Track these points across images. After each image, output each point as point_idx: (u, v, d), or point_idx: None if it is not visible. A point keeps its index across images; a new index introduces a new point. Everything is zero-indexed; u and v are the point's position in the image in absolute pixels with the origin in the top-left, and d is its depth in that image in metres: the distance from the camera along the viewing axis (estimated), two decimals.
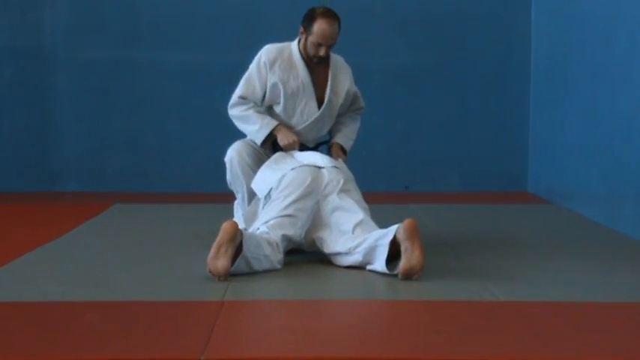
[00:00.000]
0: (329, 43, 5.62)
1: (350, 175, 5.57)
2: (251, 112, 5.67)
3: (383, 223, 6.83)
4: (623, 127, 6.37)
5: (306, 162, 5.42)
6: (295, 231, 5.20)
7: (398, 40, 8.82)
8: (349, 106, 5.98)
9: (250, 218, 5.48)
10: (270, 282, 4.87)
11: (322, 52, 5.62)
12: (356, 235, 5.16)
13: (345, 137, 5.98)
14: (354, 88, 5.95)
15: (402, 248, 4.87)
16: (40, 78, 8.74)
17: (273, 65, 5.65)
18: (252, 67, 5.74)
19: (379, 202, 8.04)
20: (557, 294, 4.65)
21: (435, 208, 7.65)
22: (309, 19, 5.61)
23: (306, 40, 5.64)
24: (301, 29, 5.66)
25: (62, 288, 4.71)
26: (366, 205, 5.44)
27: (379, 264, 4.97)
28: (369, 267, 5.05)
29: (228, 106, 5.78)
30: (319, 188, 5.33)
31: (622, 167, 6.40)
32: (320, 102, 5.74)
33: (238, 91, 5.73)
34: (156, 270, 5.10)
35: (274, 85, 5.65)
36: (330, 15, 5.62)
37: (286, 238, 5.15)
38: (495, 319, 4.22)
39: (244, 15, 8.76)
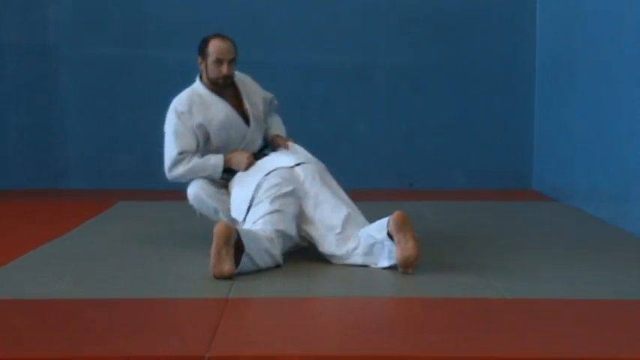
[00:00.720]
0: (228, 57, 5.69)
1: (321, 165, 5.60)
2: (194, 160, 5.61)
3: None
4: (628, 125, 6.36)
5: (275, 166, 5.42)
6: (286, 225, 5.19)
7: (403, 39, 8.81)
8: (269, 109, 6.04)
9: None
10: (275, 279, 4.87)
11: (225, 69, 5.67)
12: (348, 234, 5.19)
13: (279, 129, 6.01)
14: (265, 92, 6.02)
15: (395, 241, 4.92)
16: (44, 75, 8.75)
17: (191, 110, 5.68)
18: (173, 123, 5.69)
19: (384, 199, 8.05)
20: (562, 291, 4.65)
21: (440, 205, 7.65)
22: (202, 46, 5.72)
23: (206, 66, 5.70)
24: (199, 60, 5.73)
25: (67, 285, 4.72)
26: (344, 195, 5.48)
27: (384, 261, 5.00)
28: (374, 266, 5.06)
29: (167, 172, 5.66)
30: (298, 186, 5.33)
31: (626, 165, 6.39)
32: (246, 119, 5.77)
33: (173, 151, 5.63)
34: (160, 267, 5.10)
35: (201, 127, 5.65)
36: (221, 34, 5.77)
37: (280, 234, 5.13)
38: (500, 317, 4.21)
39: (249, 13, 8.76)
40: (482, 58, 8.82)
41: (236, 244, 4.82)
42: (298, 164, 5.44)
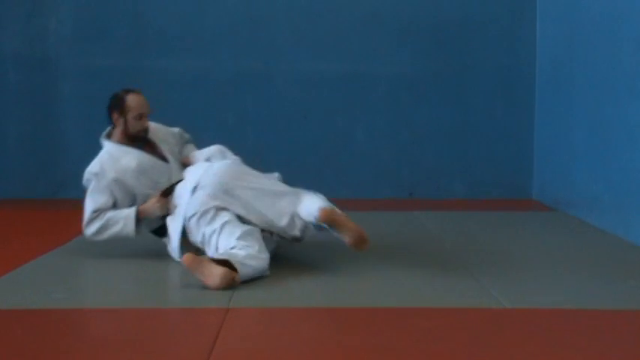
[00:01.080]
0: (147, 110, 5.73)
1: (232, 158, 5.65)
2: (107, 215, 5.58)
3: (387, 230, 6.85)
4: (629, 135, 6.36)
5: (189, 185, 5.45)
6: (240, 227, 5.20)
7: (403, 47, 8.82)
8: (182, 142, 6.04)
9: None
10: (275, 289, 4.87)
11: (145, 122, 5.71)
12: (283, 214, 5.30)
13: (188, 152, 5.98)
14: (171, 129, 6.02)
15: (336, 234, 5.05)
16: (45, 86, 8.75)
17: (103, 169, 5.64)
18: (89, 185, 5.70)
19: (384, 208, 8.06)
20: (563, 301, 4.64)
21: (440, 215, 7.65)
22: (119, 102, 5.70)
23: (126, 121, 5.67)
24: (115, 116, 5.69)
25: (67, 295, 4.72)
26: (267, 180, 5.50)
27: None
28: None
29: (84, 230, 5.63)
30: (219, 202, 5.33)
31: (627, 175, 6.39)
32: (163, 159, 5.76)
33: (88, 209, 5.62)
34: (160, 277, 5.10)
35: (117, 181, 5.61)
36: (134, 89, 5.79)
37: (244, 236, 5.13)
38: (500, 327, 4.21)
39: (250, 23, 8.77)
40: (482, 68, 8.82)
41: (217, 262, 4.84)
42: (195, 187, 5.42)
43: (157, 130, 5.88)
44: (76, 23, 8.74)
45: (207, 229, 5.22)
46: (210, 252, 5.15)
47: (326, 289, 4.95)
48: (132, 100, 5.67)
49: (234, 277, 4.78)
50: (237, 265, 4.85)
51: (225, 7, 8.78)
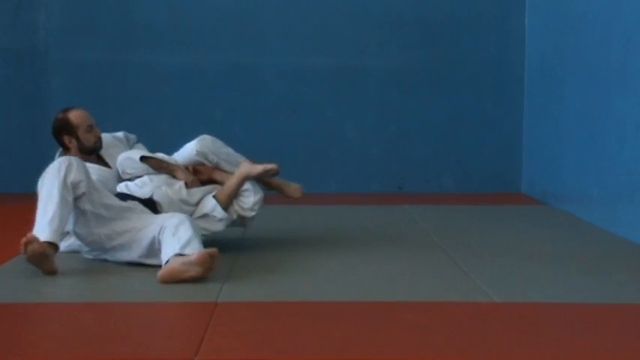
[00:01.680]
0: (93, 122, 5.65)
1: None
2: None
3: (376, 224, 6.86)
4: (617, 129, 6.37)
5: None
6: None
7: (392, 42, 8.82)
8: (129, 145, 5.98)
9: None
10: (264, 283, 4.87)
11: (97, 131, 5.65)
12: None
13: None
14: (116, 134, 5.96)
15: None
16: (34, 79, 8.74)
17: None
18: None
19: (373, 203, 8.06)
20: (551, 295, 4.65)
21: (429, 209, 7.65)
22: (63, 124, 5.60)
23: (78, 138, 5.58)
24: (66, 139, 5.59)
25: (56, 289, 4.72)
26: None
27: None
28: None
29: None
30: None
31: (616, 169, 6.40)
32: (107, 165, 5.72)
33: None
34: (150, 271, 5.09)
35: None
36: (71, 107, 5.69)
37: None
38: (489, 321, 4.22)
39: (238, 16, 8.76)
40: (471, 62, 8.83)
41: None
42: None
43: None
44: (65, 17, 8.72)
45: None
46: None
47: (314, 283, 4.95)
48: (75, 116, 5.59)
49: (206, 255, 4.78)
50: (194, 246, 4.87)
51: (214, 1, 8.77)
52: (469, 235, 6.39)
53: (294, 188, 5.84)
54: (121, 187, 5.50)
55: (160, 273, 4.80)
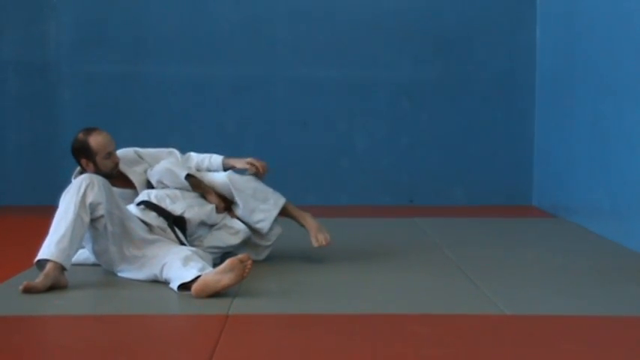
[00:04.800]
0: (114, 147, 5.56)
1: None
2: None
3: (387, 237, 6.85)
4: (629, 141, 6.36)
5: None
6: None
7: (403, 54, 8.83)
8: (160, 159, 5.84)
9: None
10: (275, 296, 4.87)
11: (115, 158, 5.55)
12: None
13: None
14: (141, 151, 5.88)
15: None
16: (45, 92, 8.76)
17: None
18: None
19: (384, 215, 8.05)
20: (562, 307, 4.64)
21: (440, 221, 7.64)
22: (83, 147, 5.49)
23: (95, 163, 5.48)
24: (84, 162, 5.50)
25: (65, 302, 4.71)
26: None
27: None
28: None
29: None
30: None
31: (627, 181, 6.39)
32: (132, 186, 5.67)
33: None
34: (160, 284, 5.09)
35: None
36: (92, 129, 5.57)
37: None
38: (500, 333, 4.21)
39: (250, 29, 8.77)
40: (482, 74, 8.83)
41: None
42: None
43: (121, 157, 5.71)
44: (76, 29, 8.74)
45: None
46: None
47: (325, 295, 4.95)
48: (95, 142, 5.47)
49: (236, 260, 4.76)
50: (207, 265, 4.90)
51: (225, 14, 8.79)
52: (480, 248, 6.38)
53: (321, 236, 5.72)
54: (144, 195, 5.50)
55: (194, 288, 4.75)
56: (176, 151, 5.91)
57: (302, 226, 5.79)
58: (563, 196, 7.96)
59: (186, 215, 5.44)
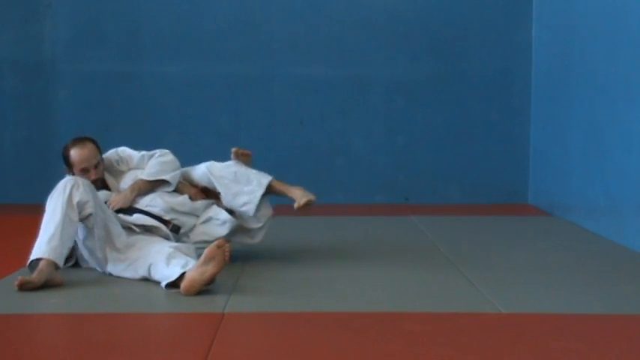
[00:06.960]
0: (93, 163, 5.49)
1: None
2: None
3: (383, 235, 6.84)
4: (624, 140, 6.36)
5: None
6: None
7: (399, 52, 8.83)
8: (147, 159, 5.78)
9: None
10: (271, 294, 4.87)
11: (92, 175, 5.47)
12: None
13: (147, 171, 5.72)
14: (124, 155, 5.82)
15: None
16: (41, 91, 8.75)
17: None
18: None
19: (380, 213, 8.05)
20: (558, 306, 4.64)
21: (436, 219, 7.64)
22: (64, 158, 5.53)
23: (74, 174, 5.46)
24: (66, 169, 5.54)
25: (62, 300, 4.71)
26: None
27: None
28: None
29: None
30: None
31: (623, 179, 6.39)
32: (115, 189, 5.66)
33: None
34: (154, 282, 5.09)
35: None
36: (79, 140, 5.54)
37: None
38: (496, 331, 4.21)
39: (246, 27, 8.77)
40: (478, 72, 8.83)
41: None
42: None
43: (110, 171, 5.72)
44: (72, 28, 8.74)
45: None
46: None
47: (321, 293, 4.95)
48: (74, 155, 5.47)
49: (213, 247, 4.75)
50: (190, 259, 4.90)
51: (221, 12, 8.79)
52: (476, 246, 6.38)
53: (304, 198, 5.67)
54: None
55: (183, 287, 4.75)
56: (168, 152, 5.85)
57: (291, 199, 5.76)
58: (558, 195, 7.96)
59: (151, 204, 5.46)
